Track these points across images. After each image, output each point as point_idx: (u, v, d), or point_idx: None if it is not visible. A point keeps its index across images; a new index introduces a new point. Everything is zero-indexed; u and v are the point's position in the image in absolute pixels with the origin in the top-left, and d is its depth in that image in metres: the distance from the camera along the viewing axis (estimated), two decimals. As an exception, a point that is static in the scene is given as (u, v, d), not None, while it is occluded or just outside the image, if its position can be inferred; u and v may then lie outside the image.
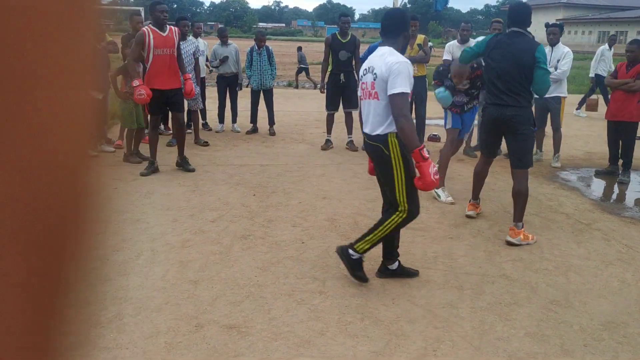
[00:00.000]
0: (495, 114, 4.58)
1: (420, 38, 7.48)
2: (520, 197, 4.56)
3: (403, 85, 3.36)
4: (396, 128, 3.40)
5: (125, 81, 6.87)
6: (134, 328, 3.13)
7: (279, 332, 3.15)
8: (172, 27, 6.31)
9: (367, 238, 3.61)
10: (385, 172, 3.54)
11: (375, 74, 3.45)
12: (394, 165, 3.47)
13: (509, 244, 4.54)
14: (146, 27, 6.13)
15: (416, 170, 3.43)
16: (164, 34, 6.11)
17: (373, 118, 3.52)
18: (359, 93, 3.70)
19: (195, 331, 3.12)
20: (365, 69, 3.58)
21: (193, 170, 6.41)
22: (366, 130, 3.60)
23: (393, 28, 3.59)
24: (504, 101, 4.50)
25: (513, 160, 4.60)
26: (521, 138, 4.51)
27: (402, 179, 3.48)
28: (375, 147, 3.53)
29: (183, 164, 6.49)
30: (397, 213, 3.55)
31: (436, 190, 5.64)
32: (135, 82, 5.91)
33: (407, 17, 3.71)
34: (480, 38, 5.44)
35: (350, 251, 3.64)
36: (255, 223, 4.86)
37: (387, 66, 3.39)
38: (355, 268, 3.67)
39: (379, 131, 3.49)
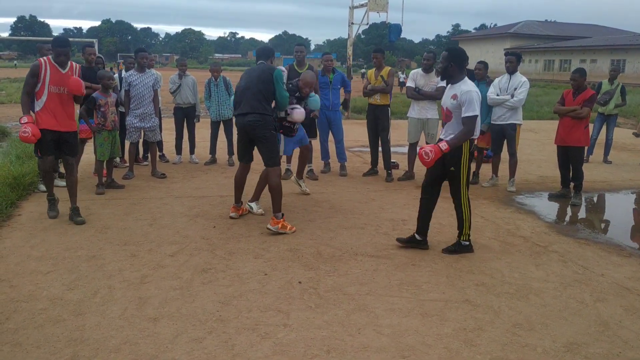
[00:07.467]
0: (241, 123, 5.44)
1: (385, 70, 7.64)
2: (275, 191, 5.42)
3: None
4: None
5: (96, 113, 6.75)
6: (91, 371, 2.98)
7: (243, 368, 3.06)
8: (74, 65, 5.59)
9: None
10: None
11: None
12: None
13: (269, 230, 5.33)
14: (45, 58, 5.46)
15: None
16: (64, 71, 5.44)
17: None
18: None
19: (156, 371, 3.00)
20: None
21: (82, 223, 5.53)
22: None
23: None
24: (247, 110, 5.36)
25: (265, 160, 5.53)
26: (266, 141, 5.41)
27: None
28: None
29: (72, 214, 5.66)
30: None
31: (250, 203, 6.12)
32: (24, 119, 5.27)
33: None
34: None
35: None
36: (216, 256, 4.76)
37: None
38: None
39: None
